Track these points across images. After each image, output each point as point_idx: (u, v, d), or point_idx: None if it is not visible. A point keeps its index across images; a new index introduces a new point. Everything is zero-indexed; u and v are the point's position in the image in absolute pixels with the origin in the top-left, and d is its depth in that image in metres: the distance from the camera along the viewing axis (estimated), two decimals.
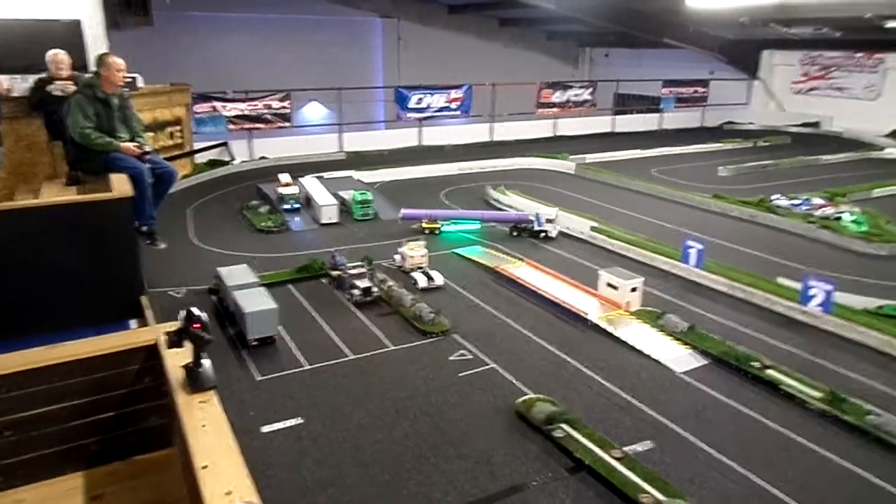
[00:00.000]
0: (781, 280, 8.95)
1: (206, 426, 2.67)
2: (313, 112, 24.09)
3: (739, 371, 6.78)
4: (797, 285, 8.39)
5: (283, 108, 17.62)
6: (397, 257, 9.64)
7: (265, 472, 5.09)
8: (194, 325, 2.86)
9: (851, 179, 15.50)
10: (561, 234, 11.27)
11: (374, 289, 8.40)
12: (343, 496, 4.88)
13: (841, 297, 8.08)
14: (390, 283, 8.69)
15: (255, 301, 7.22)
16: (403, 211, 11.65)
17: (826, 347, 7.47)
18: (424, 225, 11.30)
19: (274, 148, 17.26)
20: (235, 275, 8.01)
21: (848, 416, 5.90)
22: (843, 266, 9.95)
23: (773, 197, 13.06)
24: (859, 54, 22.69)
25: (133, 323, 5.72)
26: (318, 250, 10.11)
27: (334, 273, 8.89)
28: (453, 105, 20.04)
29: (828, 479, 5.22)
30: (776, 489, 5.03)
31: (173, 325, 3.04)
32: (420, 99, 19.52)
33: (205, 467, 2.39)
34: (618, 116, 23.38)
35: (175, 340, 2.93)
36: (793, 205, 12.68)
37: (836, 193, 13.64)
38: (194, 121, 16.06)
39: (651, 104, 24.50)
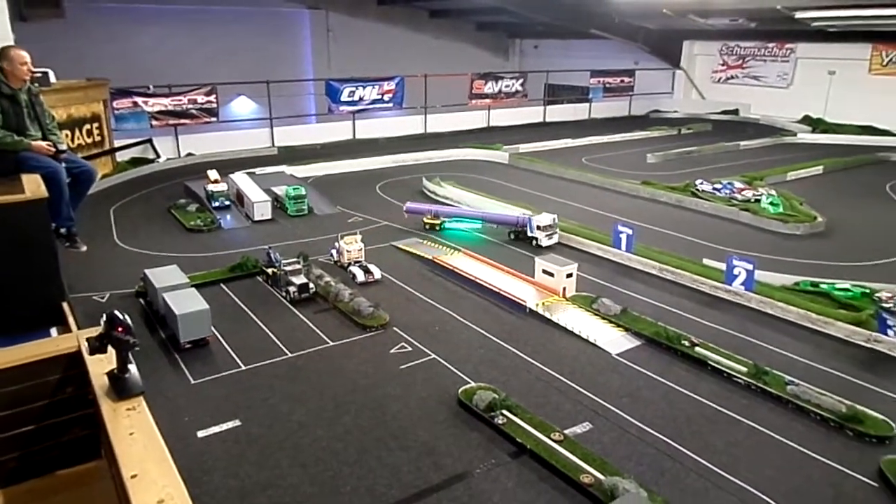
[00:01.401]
0: (707, 261, 9.35)
1: (134, 434, 2.55)
2: (242, 107, 23.42)
3: (670, 350, 7.05)
4: (722, 266, 8.79)
5: (210, 102, 17.05)
6: (334, 252, 9.52)
7: (202, 477, 4.94)
8: (118, 329, 2.72)
9: (768, 164, 16.32)
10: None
11: (311, 285, 8.27)
12: (283, 497, 4.79)
13: (761, 276, 8.52)
14: (327, 278, 8.57)
15: (186, 302, 6.98)
16: (408, 205, 11.47)
17: (749, 323, 7.86)
18: (426, 220, 11.15)
19: (201, 144, 16.69)
20: (164, 276, 7.72)
21: (770, 388, 6.24)
22: (762, 246, 10.47)
23: (697, 182, 13.60)
24: (772, 44, 23.85)
25: (54, 331, 5.41)
26: (251, 248, 9.86)
27: (269, 270, 8.70)
28: (386, 97, 19.90)
29: (753, 447, 5.49)
30: (707, 461, 5.26)
31: (96, 331, 2.89)
32: (352, 92, 19.29)
33: (134, 477, 2.29)
34: (549, 106, 23.79)
35: (97, 346, 2.78)
36: (715, 189, 13.24)
37: (754, 177, 14.33)
38: (114, 117, 15.33)
39: (580, 94, 25.05)
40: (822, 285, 8.46)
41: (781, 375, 6.40)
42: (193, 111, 16.79)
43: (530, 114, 23.00)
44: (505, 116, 22.19)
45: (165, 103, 16.32)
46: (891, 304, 7.81)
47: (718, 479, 5.06)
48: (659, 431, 5.63)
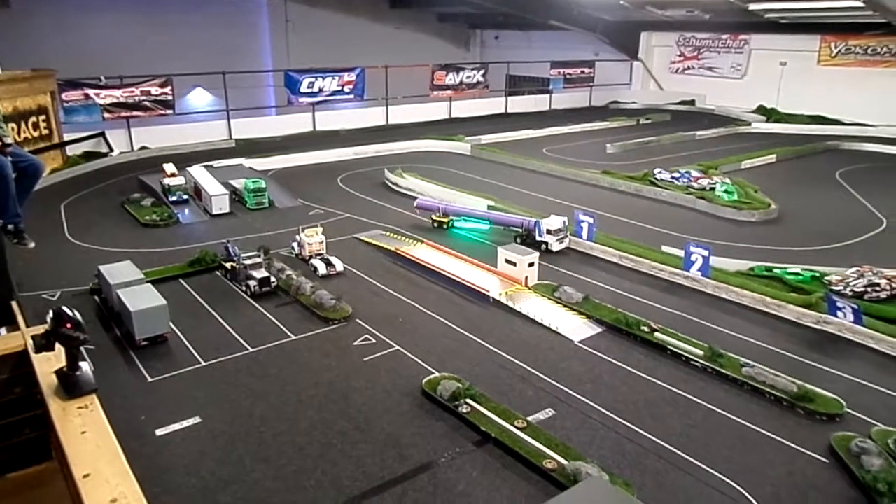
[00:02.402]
0: (665, 248, 9.53)
1: (86, 433, 2.48)
2: (199, 98, 22.88)
3: (630, 336, 7.17)
4: (680, 253, 8.97)
5: (165, 94, 16.60)
6: (295, 245, 9.41)
7: (162, 476, 4.84)
8: (66, 326, 2.63)
9: (723, 153, 16.68)
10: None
11: (272, 279, 8.16)
12: (247, 493, 4.73)
13: (717, 262, 8.72)
14: (289, 271, 8.47)
15: (141, 299, 6.81)
16: (419, 200, 11.26)
17: (706, 308, 8.04)
18: (434, 218, 10.87)
19: (156, 137, 16.23)
20: (118, 272, 7.51)
21: (726, 370, 6.41)
22: (718, 233, 10.71)
23: (655, 171, 13.83)
24: (726, 36, 24.36)
25: (3, 331, 5.22)
26: (210, 242, 9.66)
27: (228, 265, 8.54)
28: (346, 89, 19.70)
29: (710, 428, 5.63)
30: (666, 442, 5.38)
31: (43, 329, 2.79)
32: (311, 83, 19.02)
33: (86, 476, 2.22)
34: (510, 98, 23.87)
35: (43, 344, 2.68)
36: (673, 178, 13.49)
37: (709, 166, 14.65)
38: (63, 110, 14.80)
39: (541, 85, 25.21)
40: (775, 270, 8.71)
41: (737, 358, 6.57)
42: (147, 103, 16.34)
43: (492, 105, 23.06)
44: (466, 107, 22.21)
45: (118, 95, 15.83)
46: (840, 287, 8.09)
47: (677, 459, 5.18)
48: (620, 415, 5.73)
